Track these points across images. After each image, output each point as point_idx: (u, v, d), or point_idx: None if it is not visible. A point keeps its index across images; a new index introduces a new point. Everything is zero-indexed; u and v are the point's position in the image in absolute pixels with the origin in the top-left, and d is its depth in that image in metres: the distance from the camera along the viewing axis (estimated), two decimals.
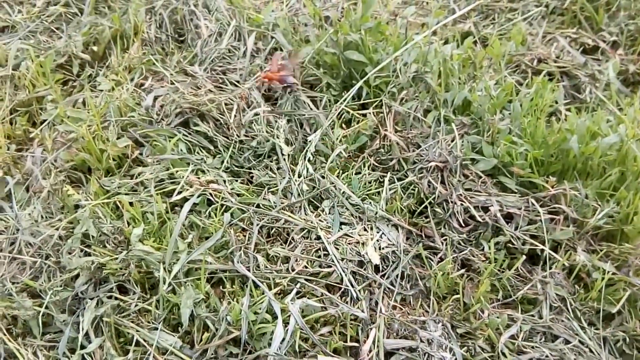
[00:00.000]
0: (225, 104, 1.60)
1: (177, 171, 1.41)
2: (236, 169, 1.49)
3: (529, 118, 1.47)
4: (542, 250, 1.29)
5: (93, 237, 1.24)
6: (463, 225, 1.32)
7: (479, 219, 1.31)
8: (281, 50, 1.85)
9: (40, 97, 1.66)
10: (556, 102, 1.55)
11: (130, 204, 1.29)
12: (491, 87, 1.55)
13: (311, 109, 1.65)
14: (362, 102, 1.67)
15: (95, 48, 1.80)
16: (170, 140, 1.47)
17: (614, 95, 1.65)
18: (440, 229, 1.34)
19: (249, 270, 1.21)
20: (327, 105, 1.68)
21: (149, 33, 1.88)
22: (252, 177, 1.48)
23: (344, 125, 1.60)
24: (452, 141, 1.47)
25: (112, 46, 1.82)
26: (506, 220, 1.32)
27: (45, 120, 1.62)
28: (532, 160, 1.36)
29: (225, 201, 1.35)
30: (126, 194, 1.35)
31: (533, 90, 1.51)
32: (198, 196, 1.35)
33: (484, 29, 2.01)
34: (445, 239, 1.31)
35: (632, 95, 1.69)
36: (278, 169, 1.48)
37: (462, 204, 1.33)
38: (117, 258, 1.18)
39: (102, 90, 1.65)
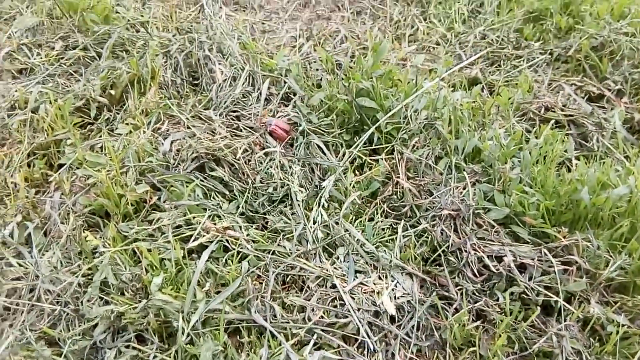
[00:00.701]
0: (240, 149, 1.64)
1: (194, 217, 1.43)
2: (251, 214, 1.52)
3: (539, 167, 1.50)
4: (556, 302, 1.30)
5: (112, 284, 1.25)
6: (477, 274, 1.33)
7: (493, 269, 1.32)
8: (294, 95, 1.89)
9: (58, 140, 1.69)
10: (566, 152, 1.58)
11: (149, 250, 1.31)
12: (501, 136, 1.58)
13: (324, 153, 1.68)
14: (373, 147, 1.71)
15: (112, 92, 1.84)
16: (187, 186, 1.50)
17: (620, 144, 1.69)
18: (454, 277, 1.36)
19: (266, 320, 1.21)
20: (339, 150, 1.72)
21: (165, 77, 1.93)
22: (266, 222, 1.50)
23: (357, 171, 1.62)
24: (464, 189, 1.50)
25: (129, 90, 1.86)
26: (519, 270, 1.33)
27: (62, 164, 1.65)
28: (544, 211, 1.38)
29: (241, 248, 1.36)
30: (144, 240, 1.37)
31: (542, 140, 1.54)
32: (215, 243, 1.37)
33: (490, 75, 2.06)
34: (460, 289, 1.32)
35: (638, 144, 1.73)
36: (292, 214, 1.50)
37: (476, 254, 1.34)
38: (136, 307, 1.19)
39: (119, 134, 1.68)
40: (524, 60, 2.09)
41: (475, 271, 1.34)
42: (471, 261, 1.34)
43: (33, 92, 1.73)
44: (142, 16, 2.34)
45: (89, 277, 1.29)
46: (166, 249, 1.34)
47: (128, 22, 2.15)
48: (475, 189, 1.48)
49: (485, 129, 1.68)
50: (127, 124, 1.72)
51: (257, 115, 1.79)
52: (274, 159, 1.62)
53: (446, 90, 1.80)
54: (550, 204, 1.38)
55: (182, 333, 1.15)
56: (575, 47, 2.01)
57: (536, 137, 1.66)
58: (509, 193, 1.45)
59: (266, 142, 1.68)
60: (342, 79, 1.84)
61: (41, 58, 1.98)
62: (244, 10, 2.64)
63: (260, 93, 1.88)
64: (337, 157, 1.69)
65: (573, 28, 2.19)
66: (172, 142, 1.64)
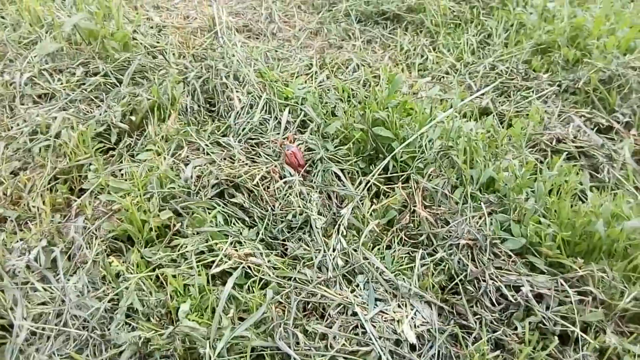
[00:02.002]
0: (258, 176, 1.67)
1: (216, 243, 1.45)
2: (270, 240, 1.54)
3: (553, 198, 1.54)
4: (573, 331, 1.32)
5: (138, 310, 1.27)
6: (495, 304, 1.36)
7: (511, 298, 1.35)
8: (311, 122, 1.94)
9: (80, 165, 1.73)
10: (581, 184, 1.62)
11: (173, 276, 1.33)
12: (516, 167, 1.62)
13: (341, 181, 1.72)
14: (388, 175, 1.74)
15: (133, 118, 1.88)
16: (208, 212, 1.52)
17: (630, 175, 1.73)
18: (472, 306, 1.38)
19: (289, 347, 1.23)
20: (355, 177, 1.76)
21: (183, 103, 1.97)
22: (286, 248, 1.53)
23: (373, 199, 1.66)
24: (480, 219, 1.53)
25: (149, 116, 1.90)
26: (537, 300, 1.36)
27: (83, 188, 1.68)
28: (560, 242, 1.41)
29: (263, 275, 1.39)
30: (167, 266, 1.39)
31: (556, 172, 1.58)
32: (234, 268, 1.39)
33: (500, 105, 2.11)
34: (478, 318, 1.35)
35: None
36: (311, 241, 1.53)
37: (494, 283, 1.37)
38: (162, 333, 1.21)
39: (141, 160, 1.72)
40: (533, 91, 2.14)
41: (494, 300, 1.36)
42: (489, 290, 1.36)
43: (58, 118, 1.77)
44: (158, 42, 2.40)
45: (115, 302, 1.31)
46: (190, 275, 1.36)
47: (147, 50, 2.20)
48: (491, 219, 1.51)
49: (498, 159, 1.72)
50: (148, 150, 1.75)
51: (276, 141, 1.83)
52: (293, 187, 1.65)
53: (460, 120, 1.84)
54: (566, 235, 1.42)
55: None
56: (584, 80, 2.06)
57: (548, 168, 1.71)
58: (525, 223, 1.48)
59: (283, 169, 1.71)
60: (358, 108, 1.88)
61: (62, 84, 2.02)
62: (257, 38, 2.71)
63: (277, 120, 1.93)
64: (353, 184, 1.73)
65: (580, 60, 2.25)
66: (193, 169, 1.68)
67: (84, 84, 2.02)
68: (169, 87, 1.94)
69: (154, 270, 1.40)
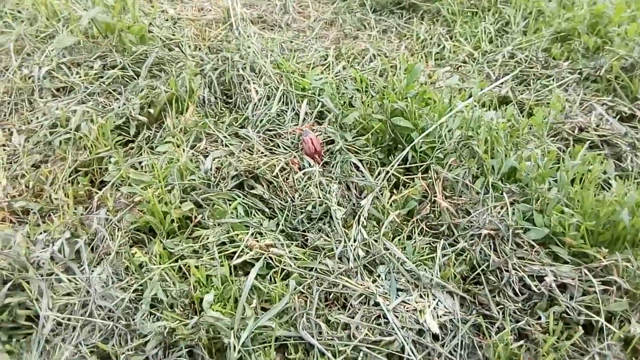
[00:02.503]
0: (278, 167, 1.67)
1: (237, 234, 1.46)
2: (290, 231, 1.54)
3: (576, 188, 1.52)
4: (597, 321, 1.31)
5: (162, 300, 1.28)
6: (518, 294, 1.35)
7: (534, 288, 1.34)
8: (328, 113, 1.93)
9: (100, 157, 1.74)
10: (604, 173, 1.59)
11: (196, 267, 1.34)
12: (538, 156, 1.60)
13: (360, 171, 1.71)
14: (407, 166, 1.73)
15: (151, 110, 1.89)
16: (229, 204, 1.53)
17: None
18: (495, 296, 1.37)
19: (313, 337, 1.23)
20: (373, 168, 1.75)
21: (200, 95, 1.97)
22: (306, 239, 1.53)
23: (393, 190, 1.65)
24: (502, 209, 1.52)
25: (167, 108, 1.91)
26: (560, 290, 1.35)
27: (104, 180, 1.69)
28: (584, 231, 1.40)
29: (284, 266, 1.39)
30: (189, 257, 1.40)
31: (579, 161, 1.56)
32: (258, 259, 1.40)
33: (520, 94, 2.09)
34: (501, 308, 1.34)
35: None
36: (331, 232, 1.53)
37: (516, 273, 1.36)
38: (187, 323, 1.22)
39: (160, 152, 1.72)
40: (553, 80, 2.11)
41: (517, 290, 1.35)
42: (512, 280, 1.35)
43: (77, 111, 1.78)
44: (174, 35, 2.40)
45: (139, 292, 1.32)
46: (212, 265, 1.37)
47: (164, 43, 2.20)
48: (514, 209, 1.50)
49: (519, 148, 1.70)
50: (167, 142, 1.76)
51: (294, 131, 1.83)
52: (312, 177, 1.64)
53: (479, 110, 1.83)
54: (590, 225, 1.40)
55: (233, 350, 1.17)
56: (605, 68, 2.03)
57: (570, 157, 1.68)
58: (548, 213, 1.46)
59: (302, 160, 1.71)
60: (376, 98, 1.87)
61: (80, 77, 2.03)
62: (272, 29, 2.70)
63: (295, 112, 1.92)
64: (372, 174, 1.72)
65: (601, 48, 2.22)
66: (212, 160, 1.68)
67: (102, 77, 2.03)
68: (186, 80, 1.94)
69: (176, 261, 1.40)
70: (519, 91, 2.10)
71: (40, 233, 1.47)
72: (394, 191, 1.64)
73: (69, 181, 1.67)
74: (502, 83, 2.12)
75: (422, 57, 2.40)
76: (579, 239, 1.41)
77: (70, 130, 1.78)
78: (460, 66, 2.34)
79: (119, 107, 1.87)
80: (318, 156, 1.72)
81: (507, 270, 1.37)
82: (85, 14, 2.17)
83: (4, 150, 1.80)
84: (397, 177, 1.69)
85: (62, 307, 1.30)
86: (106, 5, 2.26)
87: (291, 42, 2.51)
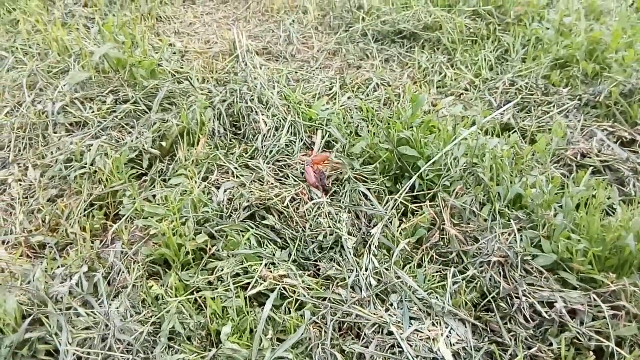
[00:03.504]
0: (288, 198, 1.71)
1: (250, 265, 1.49)
2: (302, 261, 1.57)
3: (581, 214, 1.56)
4: (608, 346, 1.32)
5: (180, 333, 1.30)
6: (529, 320, 1.37)
7: (545, 315, 1.36)
8: (336, 143, 1.97)
9: (114, 190, 1.78)
10: (609, 198, 1.63)
11: (212, 299, 1.36)
12: (543, 182, 1.64)
13: (369, 200, 1.75)
14: (415, 193, 1.77)
15: (163, 143, 1.93)
16: (242, 235, 1.56)
17: None
18: (506, 323, 1.39)
19: None
20: (381, 196, 1.78)
21: (210, 127, 2.02)
22: (317, 268, 1.56)
23: (403, 218, 1.68)
24: (510, 235, 1.55)
25: (179, 141, 1.95)
26: (570, 316, 1.37)
27: (118, 213, 1.73)
28: (591, 257, 1.43)
29: (298, 296, 1.42)
30: (204, 289, 1.43)
31: (584, 187, 1.60)
32: (272, 290, 1.42)
33: (521, 120, 2.13)
34: (513, 335, 1.36)
35: None
36: (343, 260, 1.55)
37: (527, 300, 1.38)
38: (205, 356, 1.24)
39: (173, 185, 1.76)
40: (554, 106, 2.16)
41: (527, 317, 1.37)
42: (523, 307, 1.38)
43: (93, 145, 1.82)
44: (182, 68, 2.47)
45: (157, 325, 1.34)
46: (227, 297, 1.40)
47: (174, 77, 2.26)
48: (521, 235, 1.53)
49: (524, 175, 1.74)
50: (179, 174, 1.80)
51: (302, 161, 1.87)
52: (321, 207, 1.68)
53: (483, 137, 1.87)
54: (596, 251, 1.43)
55: None
56: (604, 94, 2.08)
57: (574, 183, 1.72)
58: (555, 239, 1.50)
59: (310, 191, 1.75)
60: (382, 128, 1.92)
61: (93, 112, 2.09)
62: (277, 60, 2.77)
63: (303, 142, 1.97)
64: (380, 203, 1.75)
65: (599, 74, 2.27)
66: (224, 192, 1.72)
67: (114, 111, 2.08)
68: (197, 113, 1.99)
69: (192, 293, 1.43)
70: (520, 118, 2.15)
71: (58, 267, 1.50)
72: (403, 219, 1.68)
73: (84, 215, 1.70)
74: (504, 111, 2.17)
75: (424, 85, 2.46)
76: (587, 265, 1.44)
77: (85, 164, 1.82)
78: (462, 93, 2.39)
79: (131, 141, 1.92)
80: (321, 186, 1.75)
81: (517, 297, 1.40)
82: (97, 50, 2.23)
83: (20, 185, 1.84)
84: (405, 205, 1.72)
85: (82, 341, 1.33)
86: (117, 41, 2.33)
87: (296, 72, 2.57)
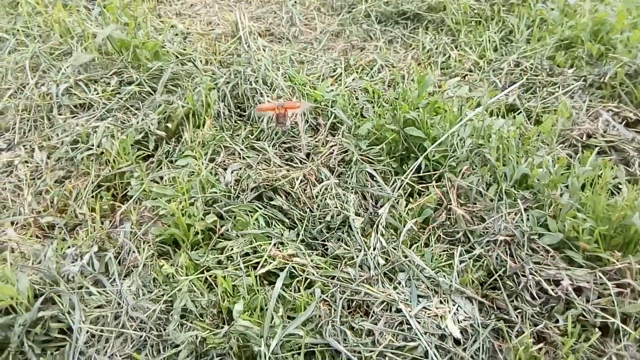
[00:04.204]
0: (296, 179, 1.71)
1: (260, 245, 1.50)
2: (310, 241, 1.58)
3: (588, 193, 1.57)
4: (613, 323, 1.35)
5: (192, 311, 1.32)
6: (536, 298, 1.39)
7: (551, 292, 1.38)
8: (341, 125, 1.98)
9: (122, 172, 1.78)
10: (615, 178, 1.64)
11: (223, 277, 1.38)
12: (549, 163, 1.65)
13: (376, 180, 1.76)
14: (421, 174, 1.78)
15: (169, 125, 1.93)
16: (250, 215, 1.57)
17: None
18: (513, 301, 1.41)
19: (339, 343, 1.27)
20: (388, 177, 1.79)
21: (215, 109, 2.02)
22: (326, 248, 1.57)
23: (410, 199, 1.69)
24: (516, 215, 1.56)
25: (184, 123, 1.95)
26: (576, 294, 1.39)
27: (126, 195, 1.74)
28: (597, 236, 1.44)
29: (308, 275, 1.43)
30: (214, 268, 1.44)
31: (590, 167, 1.61)
32: (281, 269, 1.44)
33: (527, 102, 2.14)
34: (520, 312, 1.38)
35: None
36: (350, 240, 1.57)
37: (533, 278, 1.40)
38: (218, 333, 1.26)
39: (180, 166, 1.77)
40: (559, 87, 2.16)
41: (534, 294, 1.39)
42: (529, 285, 1.40)
43: (100, 127, 1.82)
44: (185, 50, 2.45)
45: (169, 304, 1.36)
46: (237, 276, 1.41)
47: (178, 59, 2.25)
48: (527, 215, 1.55)
49: (530, 155, 1.75)
50: (186, 156, 1.81)
51: (308, 145, 1.87)
52: (329, 189, 1.69)
53: (489, 118, 1.88)
54: (603, 230, 1.44)
55: (264, 357, 1.21)
56: (610, 75, 2.08)
57: (580, 163, 1.73)
58: (561, 219, 1.51)
59: (319, 172, 1.76)
60: (389, 109, 1.92)
61: (98, 94, 2.08)
62: (280, 42, 2.75)
63: (309, 124, 1.97)
64: (387, 184, 1.76)
65: (604, 55, 2.27)
66: (231, 173, 1.73)
67: (119, 93, 2.07)
68: (202, 94, 1.99)
69: (202, 272, 1.45)
70: (525, 99, 2.15)
71: (69, 247, 1.51)
72: (410, 199, 1.69)
73: (92, 196, 1.71)
74: (509, 92, 2.17)
75: (428, 67, 2.45)
76: (593, 243, 1.45)
77: (92, 146, 1.82)
78: (467, 75, 2.39)
79: (137, 123, 1.92)
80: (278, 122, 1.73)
81: (524, 275, 1.42)
82: (100, 31, 2.22)
83: (27, 167, 1.84)
84: (411, 185, 1.73)
85: (94, 319, 1.34)
86: (120, 23, 2.32)
87: (300, 54, 2.56)
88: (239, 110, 2.12)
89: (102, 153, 1.81)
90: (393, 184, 1.76)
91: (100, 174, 1.75)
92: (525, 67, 2.29)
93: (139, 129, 1.90)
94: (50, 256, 1.45)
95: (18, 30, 2.64)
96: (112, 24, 2.28)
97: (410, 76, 2.34)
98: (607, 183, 1.55)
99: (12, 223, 1.64)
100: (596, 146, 1.82)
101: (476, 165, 1.74)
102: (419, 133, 1.80)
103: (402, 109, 1.84)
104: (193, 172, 1.73)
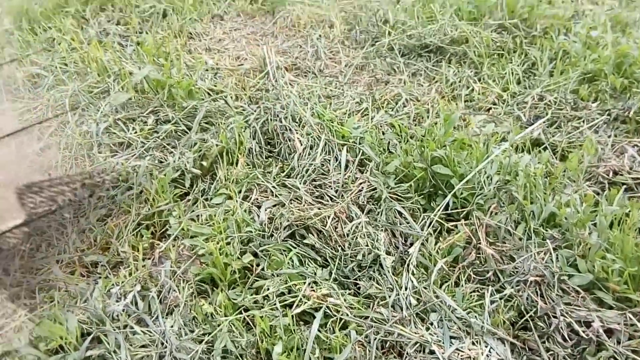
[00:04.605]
0: (328, 217, 1.77)
1: (294, 284, 1.55)
2: (342, 279, 1.63)
3: (616, 233, 1.59)
4: None
5: (232, 352, 1.37)
6: (567, 339, 1.42)
7: (582, 334, 1.40)
8: (369, 161, 2.03)
9: (160, 210, 1.86)
10: None
11: (261, 317, 1.43)
12: (577, 201, 1.68)
13: (404, 218, 1.80)
14: (449, 212, 1.82)
15: (203, 163, 2.01)
16: (285, 254, 1.63)
17: None
18: (544, 342, 1.44)
19: None
20: (416, 214, 1.84)
21: (248, 146, 2.09)
22: (358, 287, 1.62)
23: (440, 237, 1.74)
24: (545, 255, 1.59)
25: (218, 160, 2.03)
26: (607, 335, 1.41)
27: (164, 232, 1.81)
28: (627, 277, 1.47)
29: (342, 315, 1.48)
30: (251, 307, 1.50)
31: (617, 207, 1.63)
32: (316, 309, 1.49)
33: (552, 136, 2.17)
34: (551, 354, 1.40)
35: None
36: (382, 279, 1.61)
37: (564, 319, 1.43)
38: None
39: (216, 204, 1.84)
40: (583, 121, 2.19)
41: (565, 336, 1.42)
42: (560, 327, 1.42)
43: (141, 166, 1.91)
44: (215, 86, 2.55)
45: (209, 344, 1.42)
46: (274, 316, 1.46)
47: (210, 97, 2.35)
48: (557, 255, 1.57)
49: (557, 193, 1.78)
50: (221, 194, 1.88)
51: (337, 182, 1.93)
52: (360, 227, 1.74)
53: (515, 155, 1.91)
54: (632, 271, 1.47)
55: None
56: (634, 109, 2.11)
57: (607, 200, 1.76)
58: (590, 259, 1.54)
59: (349, 210, 1.81)
60: (416, 146, 1.97)
61: (136, 132, 2.18)
62: (306, 76, 2.83)
63: (338, 162, 2.03)
64: (415, 221, 1.81)
65: (628, 88, 2.30)
66: (265, 211, 1.79)
67: (156, 132, 2.17)
68: (235, 133, 2.07)
69: (240, 311, 1.50)
70: (550, 133, 2.18)
71: (113, 286, 1.58)
72: (439, 237, 1.73)
73: (133, 234, 1.79)
74: (535, 128, 2.20)
75: (452, 100, 2.50)
76: (622, 284, 1.48)
77: (132, 185, 1.91)
78: (491, 108, 2.43)
79: (174, 162, 2.00)
80: None
81: (555, 316, 1.44)
82: (138, 72, 2.32)
83: (70, 204, 1.93)
84: (440, 223, 1.78)
85: (139, 359, 1.40)
86: (156, 63, 2.42)
87: (326, 88, 2.64)
88: (269, 146, 2.20)
89: (142, 192, 1.89)
90: (422, 220, 1.80)
91: (140, 213, 1.83)
92: (549, 101, 2.33)
93: (175, 167, 1.98)
94: (96, 295, 1.52)
95: (56, 67, 2.77)
96: (148, 64, 2.38)
97: (434, 110, 2.40)
98: (635, 223, 1.57)
99: (57, 261, 1.73)
100: (623, 184, 1.84)
101: (504, 203, 1.78)
102: (446, 171, 1.85)
103: (430, 147, 1.89)
104: (228, 209, 1.80)
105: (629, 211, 1.63)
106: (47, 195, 1.98)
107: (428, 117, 2.34)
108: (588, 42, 2.60)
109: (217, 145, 2.04)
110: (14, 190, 2.02)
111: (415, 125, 2.29)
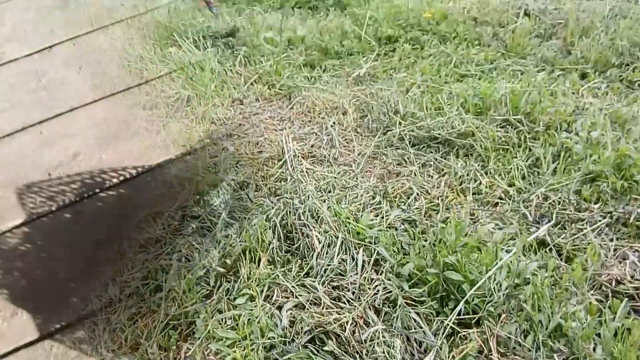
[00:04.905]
0: (347, 322, 1.87)
1: None
2: None
3: (619, 346, 1.68)
4: None
5: None
6: None
7: None
8: (384, 261, 2.15)
9: (187, 310, 1.97)
10: None
11: None
12: (581, 314, 1.78)
13: (418, 323, 1.90)
14: (461, 317, 1.92)
15: (227, 261, 2.13)
16: None
17: None
18: None
19: None
20: (429, 318, 1.94)
21: (271, 244, 2.22)
22: None
23: (453, 346, 1.83)
24: None
25: (241, 258, 2.15)
26: None
27: (190, 332, 1.91)
28: None
29: None
30: None
31: (620, 323, 1.73)
32: None
33: (556, 237, 2.29)
34: None
35: None
36: None
37: None
38: None
39: (239, 305, 1.95)
40: (586, 223, 2.32)
41: None
42: None
43: (173, 266, 2.03)
44: (237, 175, 2.70)
45: None
46: None
47: (235, 191, 2.50)
48: None
49: (562, 301, 1.88)
50: (244, 294, 1.99)
51: (354, 284, 2.04)
52: (377, 333, 1.84)
53: (524, 260, 2.03)
54: None
55: None
56: (634, 215, 2.23)
57: (610, 310, 1.86)
58: None
59: (367, 315, 1.92)
60: (429, 250, 2.09)
61: (164, 229, 2.31)
62: (321, 163, 2.99)
63: (355, 262, 2.15)
64: (429, 324, 1.90)
65: (628, 190, 2.43)
66: (286, 314, 1.90)
67: (183, 228, 2.30)
68: (258, 231, 2.20)
69: None
70: (555, 234, 2.30)
71: None
72: (452, 346, 1.82)
73: (162, 335, 1.89)
74: (538, 222, 2.33)
75: (461, 193, 2.64)
76: None
77: (161, 283, 2.02)
78: (497, 203, 2.57)
79: (200, 260, 2.13)
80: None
81: None
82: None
83: (101, 300, 2.05)
84: (453, 329, 1.87)
85: None
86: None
87: (341, 179, 2.79)
88: (288, 240, 2.32)
89: (170, 290, 2.01)
90: (435, 324, 1.90)
91: (168, 313, 1.94)
92: (554, 200, 2.46)
93: (201, 266, 2.11)
94: None
95: None
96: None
97: (444, 203, 2.53)
98: (637, 341, 1.66)
99: None
100: (625, 293, 1.94)
101: (513, 309, 1.88)
102: (458, 277, 1.96)
103: (442, 254, 2.01)
104: (251, 312, 1.90)
105: (631, 329, 1.73)
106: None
107: (438, 212, 2.47)
108: (589, 142, 2.75)
109: (240, 243, 2.16)
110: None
111: (426, 219, 2.42)
